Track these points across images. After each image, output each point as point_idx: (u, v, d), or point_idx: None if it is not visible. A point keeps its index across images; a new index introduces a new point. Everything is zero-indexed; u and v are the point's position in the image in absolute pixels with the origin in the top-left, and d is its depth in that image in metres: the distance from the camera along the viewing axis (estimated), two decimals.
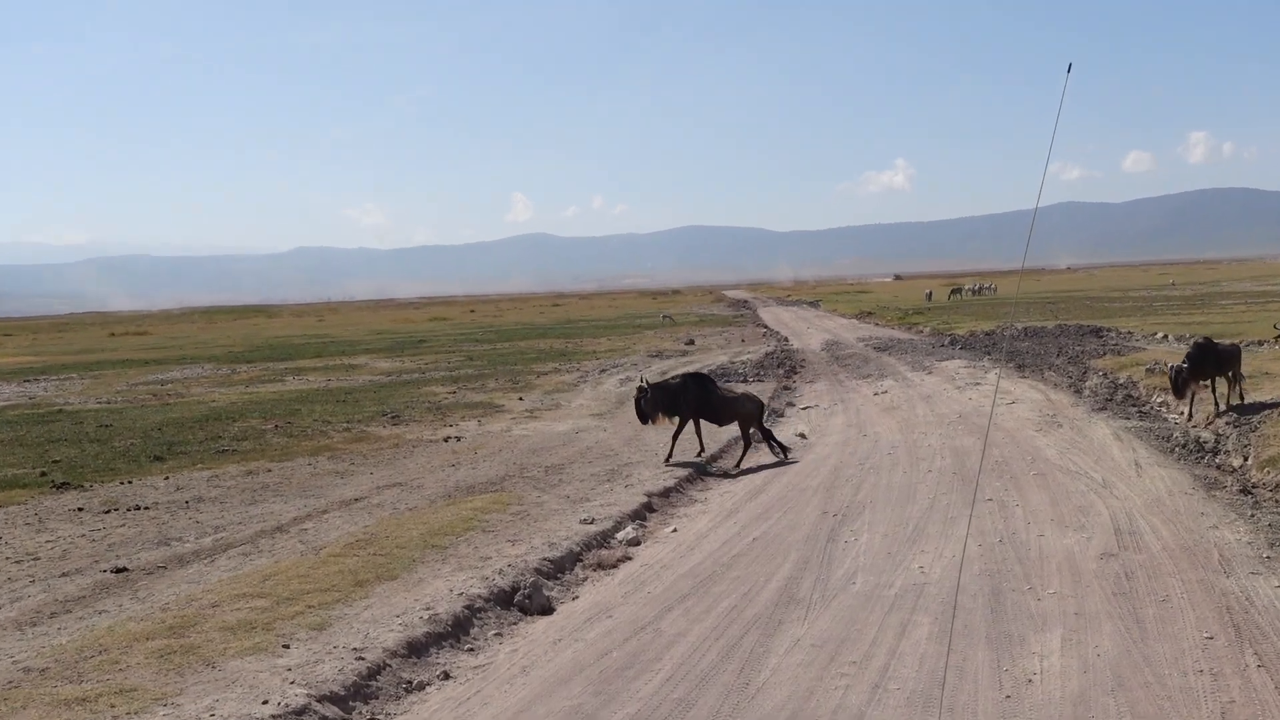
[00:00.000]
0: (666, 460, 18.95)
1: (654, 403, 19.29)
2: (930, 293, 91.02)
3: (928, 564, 12.14)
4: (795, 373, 34.77)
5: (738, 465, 19.04)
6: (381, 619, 10.46)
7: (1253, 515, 13.59)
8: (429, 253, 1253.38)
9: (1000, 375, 30.25)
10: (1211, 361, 21.39)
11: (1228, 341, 23.50)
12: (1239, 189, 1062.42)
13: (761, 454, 20.21)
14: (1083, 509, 14.30)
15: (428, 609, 10.71)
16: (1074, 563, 11.85)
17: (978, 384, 28.81)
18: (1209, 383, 21.55)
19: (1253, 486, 15.33)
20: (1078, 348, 35.41)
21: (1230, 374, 21.72)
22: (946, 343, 43.24)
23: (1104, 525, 13.39)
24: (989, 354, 37.07)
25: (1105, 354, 32.50)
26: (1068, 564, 11.82)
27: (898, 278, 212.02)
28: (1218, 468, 16.96)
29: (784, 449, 19.51)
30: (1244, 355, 22.92)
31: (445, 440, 22.82)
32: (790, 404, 27.20)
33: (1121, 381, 26.29)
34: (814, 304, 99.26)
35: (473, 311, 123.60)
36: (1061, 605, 10.42)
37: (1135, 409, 23.29)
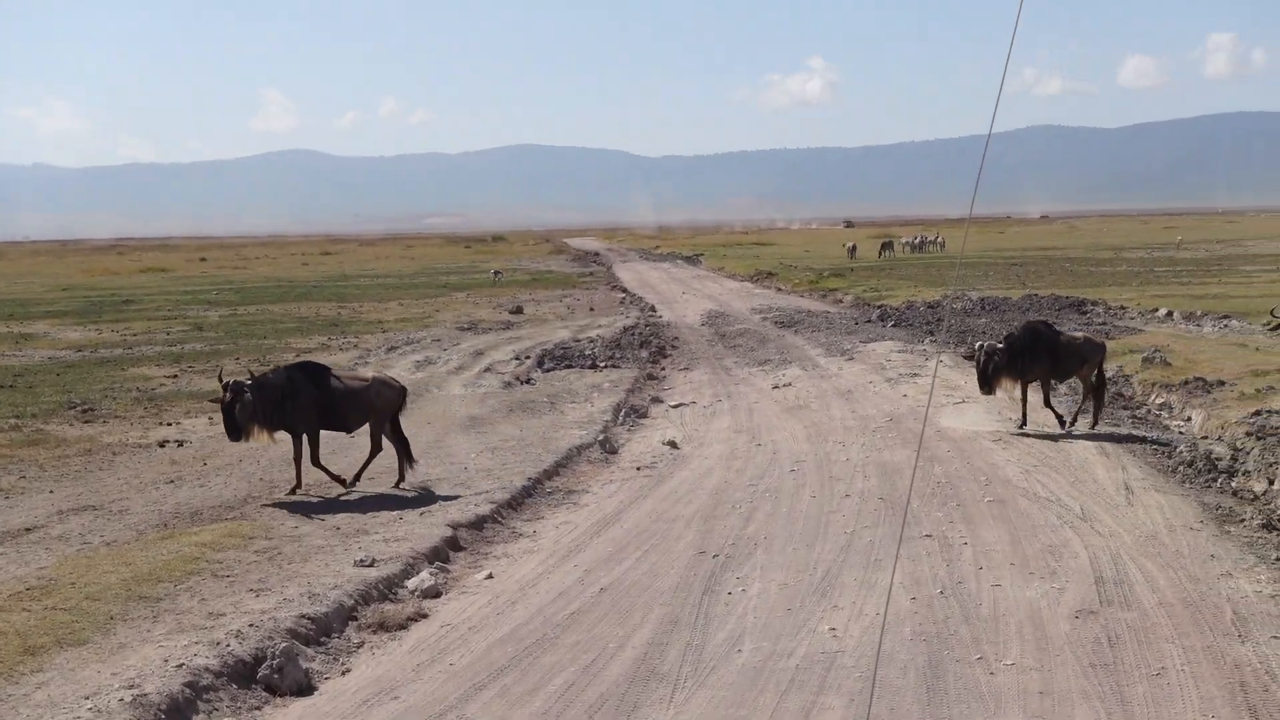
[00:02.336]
0: (292, 491, 18.43)
1: (252, 411, 18.05)
2: (853, 247, 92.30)
3: (841, 625, 12.39)
4: (664, 356, 35.11)
5: (354, 480, 18.83)
6: (62, 701, 10.25)
7: (1278, 559, 14.19)
8: (140, 173, 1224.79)
9: (945, 363, 30.89)
10: (1040, 355, 22.27)
11: (1080, 334, 24.39)
12: (1273, 113, 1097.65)
13: (614, 468, 20.33)
14: (1053, 549, 14.76)
15: (131, 687, 10.52)
16: (1040, 623, 12.23)
17: (916, 375, 29.47)
18: (1029, 384, 22.49)
19: None
20: None
21: (1075, 379, 22.56)
22: (875, 317, 44.11)
23: (1081, 572, 13.84)
24: (932, 334, 37.93)
25: None
26: (1031, 624, 12.19)
27: (849, 224, 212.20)
28: (1234, 494, 17.61)
29: (410, 461, 19.03)
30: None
31: (161, 445, 22.45)
32: (657, 399, 27.42)
33: (1110, 375, 27.11)
34: (693, 259, 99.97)
35: (204, 260, 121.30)
36: (1022, 681, 10.74)
37: (1127, 413, 24.08)
